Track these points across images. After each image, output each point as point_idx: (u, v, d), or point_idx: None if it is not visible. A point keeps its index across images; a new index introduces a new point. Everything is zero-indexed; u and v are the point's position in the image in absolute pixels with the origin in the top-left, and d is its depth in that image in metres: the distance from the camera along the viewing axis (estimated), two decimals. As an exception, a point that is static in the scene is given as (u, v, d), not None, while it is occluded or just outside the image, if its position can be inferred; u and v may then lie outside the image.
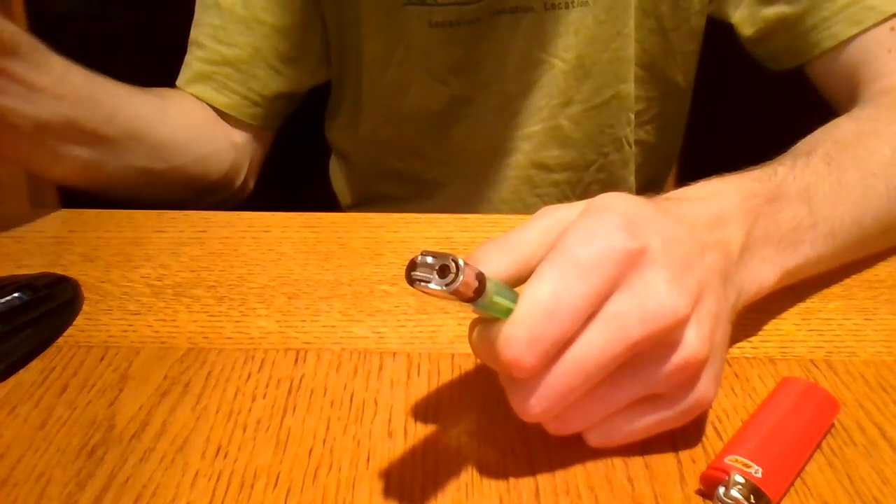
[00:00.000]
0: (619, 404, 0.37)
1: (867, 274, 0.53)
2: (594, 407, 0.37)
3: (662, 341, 0.35)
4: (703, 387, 0.37)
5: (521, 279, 0.36)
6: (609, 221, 0.35)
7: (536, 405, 0.35)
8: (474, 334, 0.36)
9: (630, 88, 0.75)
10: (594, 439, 0.38)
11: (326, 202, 0.86)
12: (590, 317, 0.35)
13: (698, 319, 0.36)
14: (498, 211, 0.78)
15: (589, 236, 0.35)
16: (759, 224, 0.42)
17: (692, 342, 0.36)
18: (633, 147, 0.79)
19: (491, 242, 0.39)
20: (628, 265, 0.35)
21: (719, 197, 0.42)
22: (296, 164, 0.89)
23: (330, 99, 0.83)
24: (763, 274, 0.42)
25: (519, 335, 0.34)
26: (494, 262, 0.37)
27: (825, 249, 0.46)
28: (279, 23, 0.72)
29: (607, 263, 0.34)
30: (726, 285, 0.39)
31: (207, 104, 0.73)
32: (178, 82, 0.74)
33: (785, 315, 0.49)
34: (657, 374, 0.36)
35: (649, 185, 0.83)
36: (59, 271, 0.54)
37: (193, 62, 0.73)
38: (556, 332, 0.34)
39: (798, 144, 0.52)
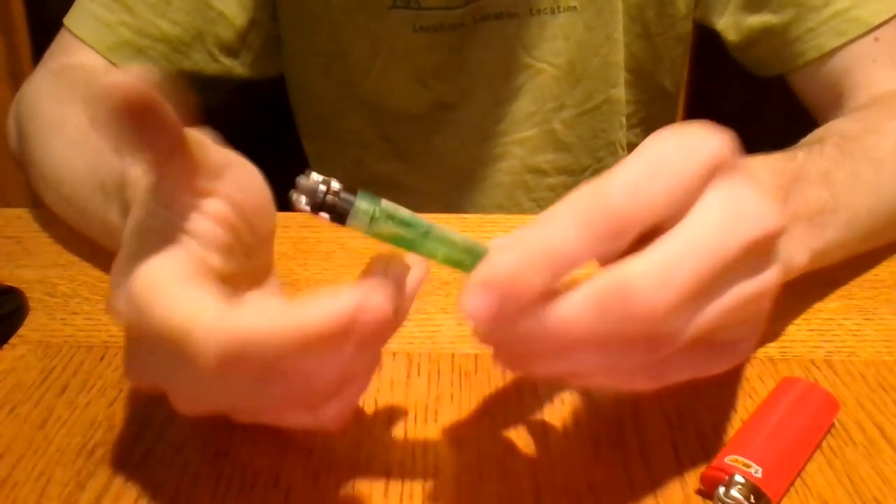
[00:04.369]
0: (719, 312, 0.32)
1: (867, 274, 0.53)
2: (704, 305, 0.32)
3: (758, 254, 0.33)
4: (759, 331, 0.35)
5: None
6: (694, 126, 0.33)
7: (658, 290, 0.30)
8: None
9: (621, 93, 0.75)
10: (651, 380, 0.34)
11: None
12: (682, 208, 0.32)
13: (778, 249, 0.35)
14: None
15: (677, 130, 0.33)
16: (791, 200, 0.41)
17: (775, 269, 0.34)
18: (626, 151, 0.79)
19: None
20: (725, 160, 0.32)
21: (749, 170, 0.41)
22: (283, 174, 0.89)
23: (293, 102, 0.81)
24: (795, 252, 0.41)
25: (617, 182, 0.31)
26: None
27: (845, 236, 0.46)
28: (228, 10, 0.70)
29: (706, 148, 0.32)
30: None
31: None
32: (87, 37, 0.67)
33: (785, 315, 0.49)
34: (746, 293, 0.33)
35: None
36: (59, 271, 0.54)
37: (119, 27, 0.68)
38: (661, 185, 0.31)
39: (804, 139, 0.52)
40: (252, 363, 0.30)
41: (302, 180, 0.31)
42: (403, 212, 0.32)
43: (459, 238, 0.33)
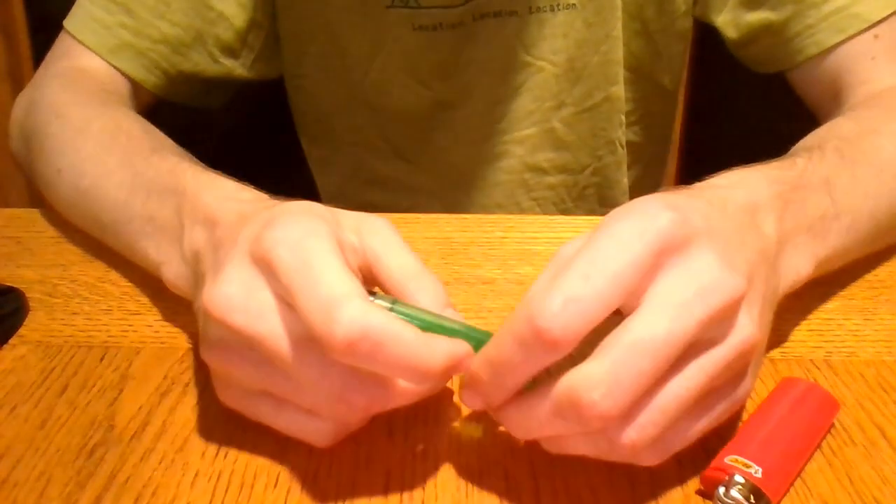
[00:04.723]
0: (690, 400, 0.33)
1: (867, 274, 0.53)
2: (669, 405, 0.33)
3: (720, 323, 0.34)
4: (750, 378, 0.36)
5: None
6: (647, 201, 0.34)
7: (606, 397, 0.31)
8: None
9: (620, 91, 0.75)
10: (651, 456, 0.35)
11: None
12: (632, 297, 0.33)
13: (749, 302, 0.35)
14: None
15: (626, 213, 0.34)
16: (790, 210, 0.41)
17: (747, 325, 0.34)
18: (625, 149, 0.79)
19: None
20: (674, 240, 0.33)
21: (746, 184, 0.41)
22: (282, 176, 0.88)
23: (292, 103, 0.81)
24: (800, 262, 0.42)
25: (555, 292, 0.32)
26: None
27: (847, 241, 0.46)
28: (227, 11, 0.70)
29: (649, 234, 0.33)
30: (769, 270, 0.38)
31: (126, 77, 0.68)
32: (87, 40, 0.67)
33: (785, 315, 0.49)
34: (717, 361, 0.34)
35: (640, 187, 0.82)
36: (59, 271, 0.54)
37: (119, 29, 0.67)
38: (593, 294, 0.32)
39: (804, 141, 0.52)
40: (370, 358, 0.33)
41: None
42: (407, 308, 0.37)
43: (459, 326, 0.37)
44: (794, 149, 0.51)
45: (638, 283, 0.33)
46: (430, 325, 0.36)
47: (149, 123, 0.59)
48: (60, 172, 0.57)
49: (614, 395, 0.32)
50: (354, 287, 0.34)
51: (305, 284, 0.34)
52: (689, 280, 0.33)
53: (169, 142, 0.55)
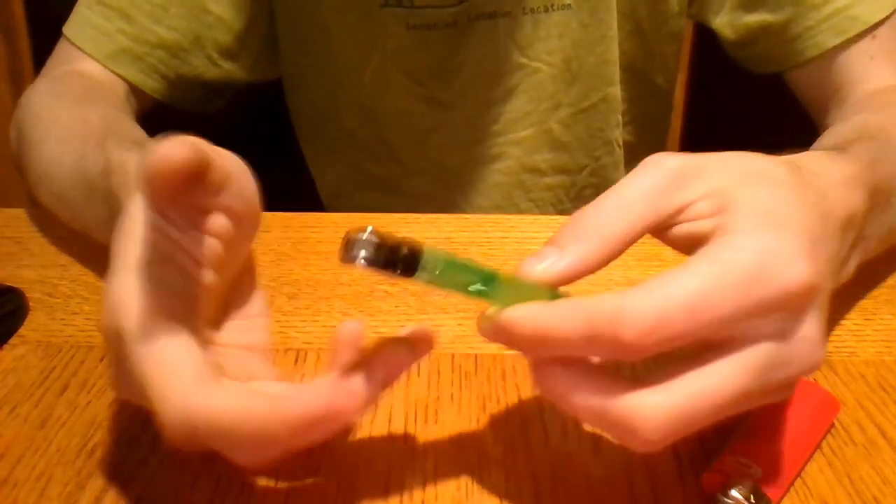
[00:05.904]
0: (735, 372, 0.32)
1: (867, 274, 0.53)
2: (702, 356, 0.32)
3: (780, 382, 0.33)
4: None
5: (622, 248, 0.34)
6: (794, 243, 0.32)
7: (659, 439, 0.31)
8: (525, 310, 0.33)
9: (617, 91, 0.75)
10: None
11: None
12: (724, 338, 0.31)
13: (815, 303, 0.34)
14: None
15: (763, 248, 0.32)
16: (867, 226, 0.41)
17: (810, 330, 0.33)
18: (622, 149, 0.79)
19: (583, 214, 0.34)
20: (796, 303, 0.32)
21: (847, 188, 0.39)
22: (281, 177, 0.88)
23: (290, 103, 0.81)
24: (848, 271, 0.41)
25: (648, 308, 0.30)
26: (589, 242, 0.34)
27: (881, 240, 0.46)
28: (225, 14, 0.70)
29: (774, 289, 0.31)
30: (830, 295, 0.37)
31: (125, 82, 0.68)
32: (85, 46, 0.67)
33: (785, 315, 0.49)
34: (768, 354, 0.32)
35: None
36: (59, 271, 0.54)
37: (117, 35, 0.67)
38: (686, 329, 0.30)
39: (851, 130, 0.51)
40: (209, 443, 0.32)
41: (356, 235, 0.32)
42: (464, 262, 0.33)
43: (521, 281, 0.33)
44: (847, 136, 0.49)
45: (740, 325, 0.32)
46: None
47: (117, 112, 0.58)
48: (39, 179, 0.58)
49: (667, 436, 0.31)
50: (174, 377, 0.32)
51: (135, 382, 0.32)
52: (787, 349, 0.32)
53: (121, 127, 0.54)
